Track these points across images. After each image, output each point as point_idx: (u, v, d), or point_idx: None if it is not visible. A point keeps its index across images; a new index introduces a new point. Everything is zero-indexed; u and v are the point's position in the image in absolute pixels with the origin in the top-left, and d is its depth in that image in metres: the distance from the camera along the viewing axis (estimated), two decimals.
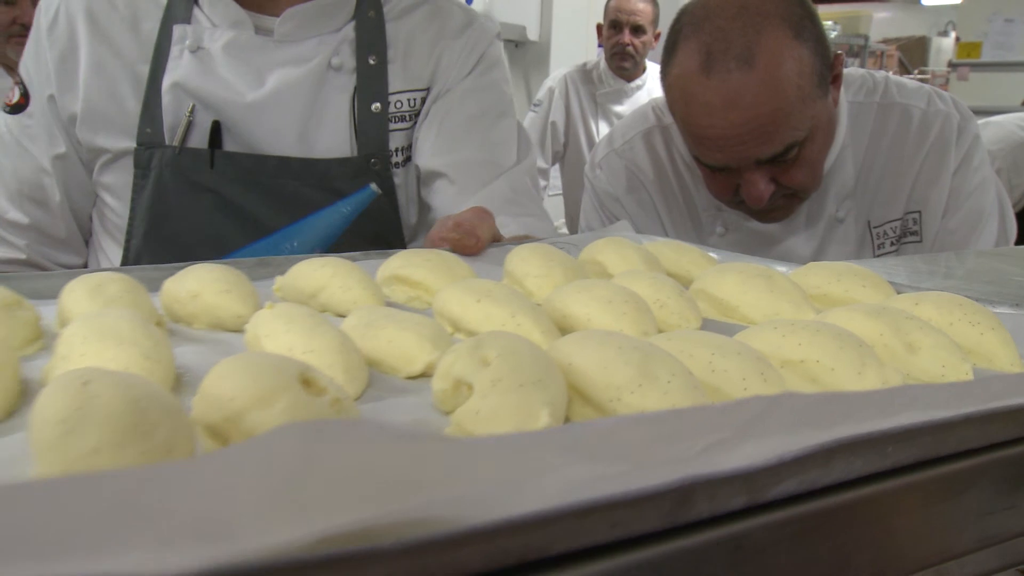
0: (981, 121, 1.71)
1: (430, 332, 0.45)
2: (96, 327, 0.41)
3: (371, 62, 0.98)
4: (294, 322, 0.45)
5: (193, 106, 0.93)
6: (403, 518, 0.20)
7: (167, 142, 0.93)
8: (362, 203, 0.88)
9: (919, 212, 1.13)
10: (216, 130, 0.93)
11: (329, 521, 0.20)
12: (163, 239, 0.93)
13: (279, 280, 0.60)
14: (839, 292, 0.54)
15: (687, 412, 0.27)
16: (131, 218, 0.95)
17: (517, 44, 3.55)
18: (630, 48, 2.72)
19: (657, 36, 2.76)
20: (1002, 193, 1.16)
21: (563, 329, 0.49)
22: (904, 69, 7.98)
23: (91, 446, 0.27)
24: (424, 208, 1.04)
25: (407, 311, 0.50)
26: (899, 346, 0.43)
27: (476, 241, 0.73)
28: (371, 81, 0.97)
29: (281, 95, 0.94)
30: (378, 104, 0.98)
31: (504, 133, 1.03)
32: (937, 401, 0.32)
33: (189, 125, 0.93)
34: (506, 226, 0.90)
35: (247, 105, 0.93)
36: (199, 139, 0.93)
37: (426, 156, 1.00)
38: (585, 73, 2.82)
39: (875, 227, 1.14)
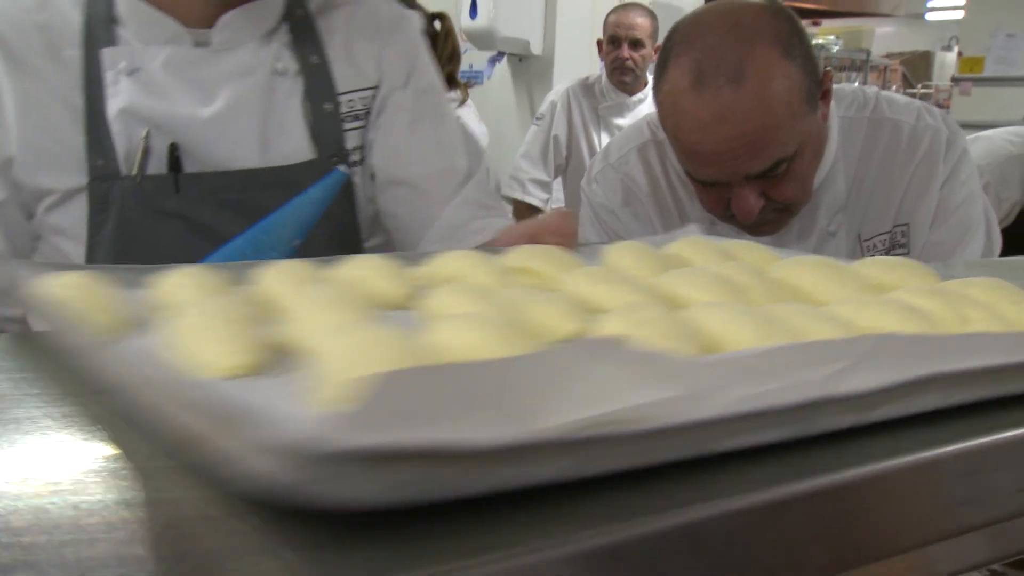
0: (972, 136, 1.74)
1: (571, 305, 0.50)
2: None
3: (314, 61, 0.97)
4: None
5: (148, 131, 0.89)
6: (633, 415, 0.30)
7: (124, 172, 0.89)
8: (333, 187, 0.88)
9: (907, 225, 1.15)
10: (174, 152, 0.90)
11: (593, 411, 0.29)
12: None
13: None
14: (892, 280, 0.60)
15: (817, 344, 0.37)
16: (89, 258, 0.90)
17: (521, 58, 3.59)
18: (629, 62, 2.75)
19: (656, 50, 2.80)
20: (988, 207, 1.18)
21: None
22: (908, 83, 8.02)
23: None
24: (382, 212, 1.03)
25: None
26: (954, 319, 0.50)
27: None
28: (318, 81, 0.97)
29: (235, 107, 0.92)
30: (330, 104, 0.97)
31: (452, 134, 1.05)
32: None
33: (146, 151, 0.89)
34: (484, 230, 0.94)
35: (203, 122, 0.91)
36: (157, 164, 0.90)
37: (385, 162, 1.01)
38: (587, 87, 2.85)
39: (865, 240, 1.17)
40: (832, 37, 3.98)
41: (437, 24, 2.62)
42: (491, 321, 0.40)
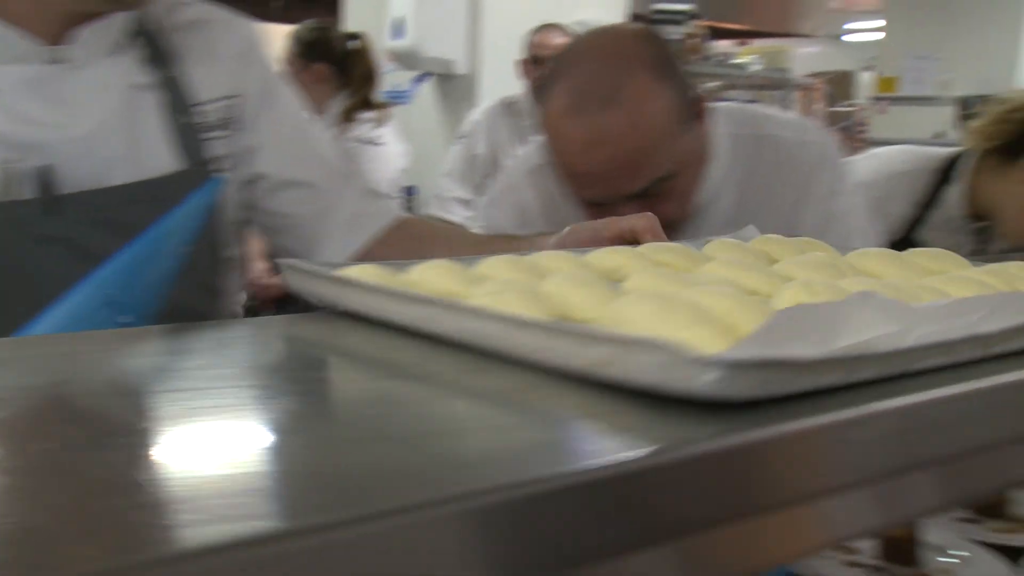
0: (863, 154, 1.80)
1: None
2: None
3: (170, 74, 0.98)
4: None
5: (14, 156, 0.87)
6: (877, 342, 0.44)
7: None
8: (213, 193, 0.89)
9: (795, 236, 1.19)
10: (45, 175, 0.88)
11: (834, 344, 0.42)
12: (6, 306, 0.87)
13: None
14: (937, 267, 0.70)
15: (968, 300, 0.52)
16: None
17: (445, 77, 3.61)
18: None
19: None
20: (869, 220, 1.23)
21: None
22: (831, 102, 8.26)
23: None
24: (273, 214, 1.06)
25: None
26: (1010, 288, 0.63)
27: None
28: (176, 93, 0.98)
29: (101, 124, 0.92)
30: (189, 114, 0.98)
31: (323, 132, 1.10)
32: None
33: (13, 176, 0.87)
34: (382, 214, 1.06)
35: (72, 141, 0.90)
36: (27, 189, 0.88)
37: (279, 166, 1.03)
38: (509, 106, 2.88)
39: None
40: (754, 57, 4.10)
41: (353, 44, 2.63)
42: (735, 293, 0.53)
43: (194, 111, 0.99)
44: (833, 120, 8.02)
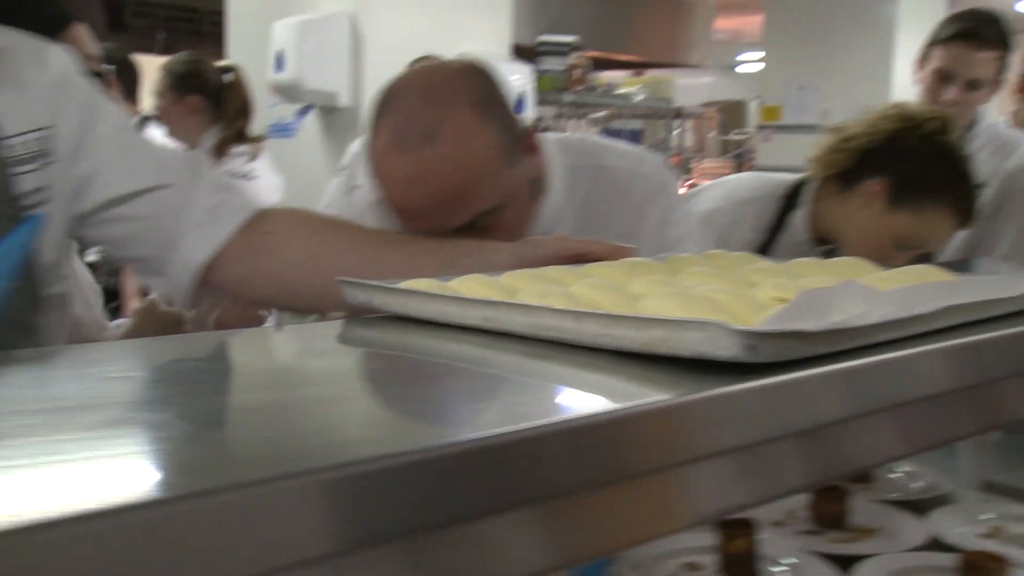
0: (712, 181, 1.86)
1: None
2: None
3: None
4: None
5: None
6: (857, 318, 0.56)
7: None
8: (33, 231, 0.86)
9: None
10: None
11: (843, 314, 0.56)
12: None
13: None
14: (853, 272, 0.83)
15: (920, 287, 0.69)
16: None
17: (328, 110, 3.59)
18: None
19: None
20: (703, 247, 1.27)
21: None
22: (724, 130, 8.53)
23: None
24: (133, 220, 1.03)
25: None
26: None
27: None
28: None
29: None
30: None
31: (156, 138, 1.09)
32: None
33: None
34: (241, 207, 1.06)
35: None
36: None
37: (119, 184, 1.01)
38: None
39: None
40: (638, 87, 4.21)
41: (227, 76, 2.60)
42: (730, 289, 0.67)
43: (7, 142, 0.95)
44: (725, 148, 8.28)
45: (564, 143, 1.24)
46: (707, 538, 1.15)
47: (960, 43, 2.03)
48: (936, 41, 2.08)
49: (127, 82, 2.82)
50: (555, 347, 0.59)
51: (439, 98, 1.03)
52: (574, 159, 1.23)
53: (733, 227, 1.68)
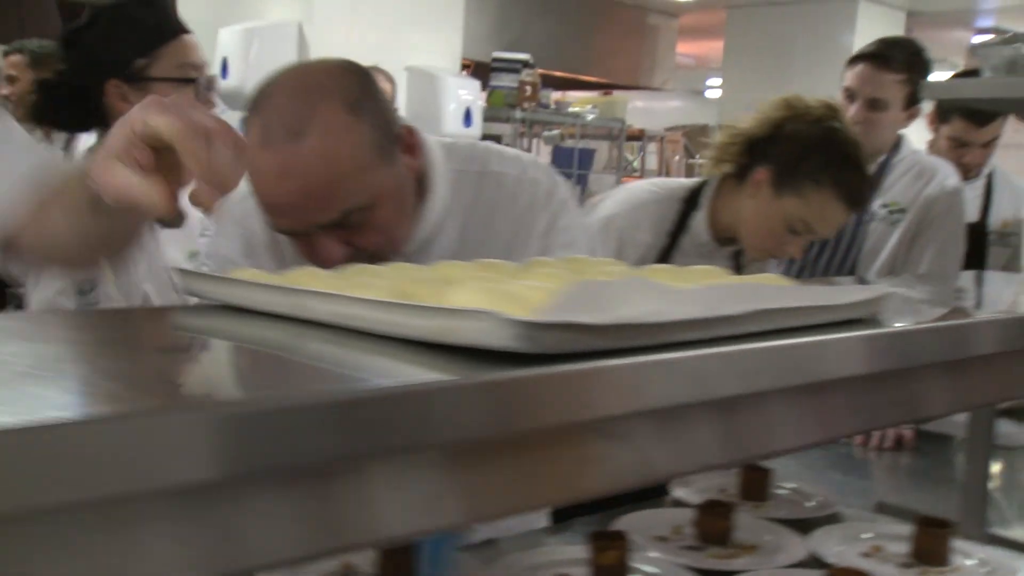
0: (615, 189, 1.88)
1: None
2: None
3: None
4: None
5: None
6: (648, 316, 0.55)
7: None
8: None
9: None
10: None
11: (630, 311, 0.55)
12: None
13: None
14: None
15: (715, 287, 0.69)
16: None
17: None
18: None
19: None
20: (594, 251, 1.27)
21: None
22: (689, 154, 8.61)
23: None
24: None
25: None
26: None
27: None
28: None
29: None
30: None
31: None
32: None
33: None
34: None
35: None
36: None
37: None
38: None
39: None
40: (589, 107, 4.23)
41: None
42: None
43: None
44: (690, 171, 8.35)
45: (450, 148, 1.24)
46: (581, 551, 1.15)
47: (865, 63, 2.07)
48: (848, 62, 2.13)
49: None
50: (361, 337, 0.59)
51: (309, 95, 1.02)
52: (460, 164, 1.23)
53: (632, 231, 1.70)
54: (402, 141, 1.11)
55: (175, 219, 1.69)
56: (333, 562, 1.12)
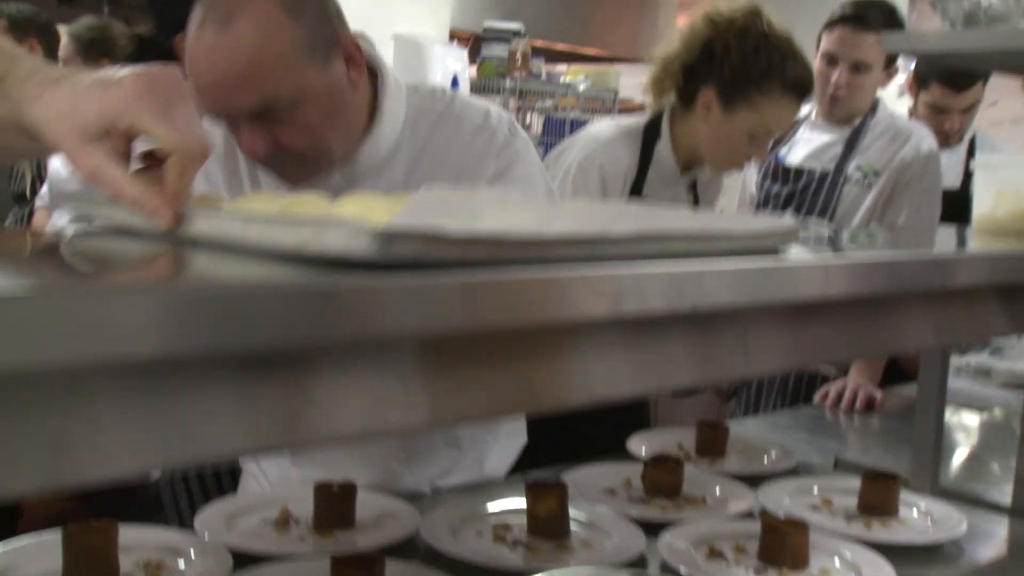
0: (567, 140, 1.91)
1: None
2: None
3: None
4: None
5: None
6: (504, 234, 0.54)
7: None
8: None
9: None
10: None
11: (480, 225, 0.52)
12: None
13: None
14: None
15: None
16: None
17: None
18: None
19: None
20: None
21: None
22: None
23: None
24: None
25: None
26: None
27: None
28: None
29: None
30: None
31: None
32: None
33: None
34: None
35: None
36: None
37: None
38: None
39: None
40: (582, 77, 4.19)
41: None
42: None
43: None
44: None
45: (419, 86, 1.27)
46: (521, 501, 1.15)
47: (844, 26, 2.04)
48: (824, 27, 2.10)
49: (49, 48, 2.80)
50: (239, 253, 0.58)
51: None
52: (423, 101, 1.25)
53: (614, 164, 1.75)
54: (345, 51, 1.13)
55: None
56: (273, 508, 1.13)
